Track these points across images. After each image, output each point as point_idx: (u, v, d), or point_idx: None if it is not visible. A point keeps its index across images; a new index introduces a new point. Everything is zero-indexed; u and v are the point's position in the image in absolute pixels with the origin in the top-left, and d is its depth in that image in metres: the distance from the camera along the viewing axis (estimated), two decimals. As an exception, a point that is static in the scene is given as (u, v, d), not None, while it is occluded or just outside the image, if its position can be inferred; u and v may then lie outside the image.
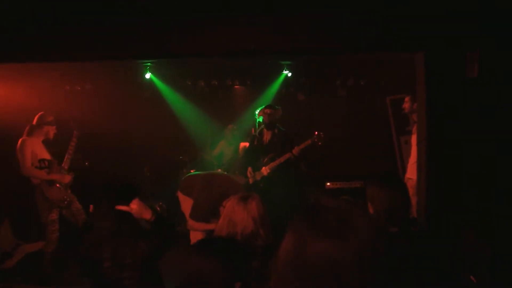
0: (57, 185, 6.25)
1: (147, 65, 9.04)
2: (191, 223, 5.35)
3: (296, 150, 6.67)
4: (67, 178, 6.37)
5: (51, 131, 6.48)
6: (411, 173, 6.09)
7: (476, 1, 4.42)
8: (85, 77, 9.15)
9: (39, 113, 6.42)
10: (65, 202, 6.26)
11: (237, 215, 3.39)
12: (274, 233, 3.42)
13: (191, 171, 8.47)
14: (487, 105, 4.41)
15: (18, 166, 6.12)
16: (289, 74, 9.36)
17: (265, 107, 7.03)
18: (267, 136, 7.03)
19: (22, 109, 7.27)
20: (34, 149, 6.18)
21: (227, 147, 9.04)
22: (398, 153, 8.91)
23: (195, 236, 5.67)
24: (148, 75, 9.21)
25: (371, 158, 9.49)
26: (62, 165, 6.43)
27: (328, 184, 8.45)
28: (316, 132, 6.76)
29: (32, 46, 4.70)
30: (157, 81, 9.47)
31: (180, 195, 5.79)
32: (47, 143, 6.47)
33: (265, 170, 6.84)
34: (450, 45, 4.47)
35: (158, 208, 8.41)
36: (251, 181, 6.88)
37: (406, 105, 6.52)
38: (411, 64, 4.93)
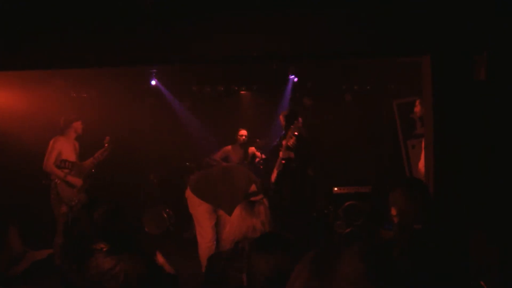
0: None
1: (153, 72, 9.04)
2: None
3: (281, 153, 6.73)
4: (79, 182, 6.71)
5: (79, 126, 6.85)
6: (421, 176, 6.06)
7: (482, 4, 4.41)
8: (91, 84, 9.17)
9: (63, 116, 6.80)
10: (73, 203, 6.57)
11: (245, 221, 3.39)
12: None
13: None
14: (495, 107, 4.40)
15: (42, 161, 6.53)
16: (295, 79, 9.34)
17: (283, 111, 7.13)
18: (286, 141, 7.05)
19: (29, 116, 7.31)
20: (62, 148, 6.59)
21: (235, 152, 8.93)
22: (406, 158, 8.87)
23: (204, 241, 5.64)
24: (153, 82, 9.21)
25: (378, 163, 9.48)
26: (85, 165, 6.90)
27: (336, 189, 8.43)
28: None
29: (38, 53, 4.72)
30: (162, 87, 9.47)
31: (190, 195, 5.71)
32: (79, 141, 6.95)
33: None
34: (457, 48, 4.46)
35: (165, 215, 8.42)
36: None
37: (417, 108, 6.47)
38: (417, 68, 4.92)
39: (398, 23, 4.60)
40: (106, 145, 7.04)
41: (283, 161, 6.85)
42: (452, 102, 4.49)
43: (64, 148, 6.62)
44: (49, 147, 6.55)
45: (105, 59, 4.84)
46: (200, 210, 5.63)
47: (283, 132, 7.24)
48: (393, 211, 3.17)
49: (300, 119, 6.98)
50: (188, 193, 5.74)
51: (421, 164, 6.12)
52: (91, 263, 3.04)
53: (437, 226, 3.16)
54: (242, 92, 10.04)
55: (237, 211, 3.52)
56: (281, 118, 7.27)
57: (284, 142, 6.93)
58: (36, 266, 5.60)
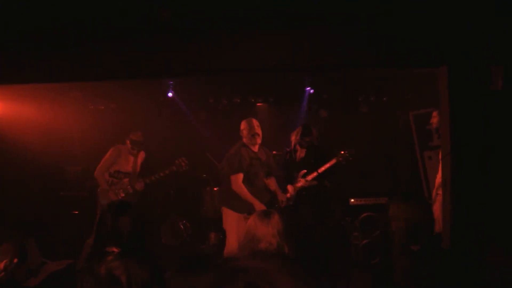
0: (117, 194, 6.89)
1: (170, 84, 9.08)
2: None
3: (321, 170, 6.70)
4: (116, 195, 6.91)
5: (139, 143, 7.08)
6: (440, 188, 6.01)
7: (498, 15, 4.39)
8: (108, 96, 9.24)
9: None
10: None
11: (261, 231, 3.38)
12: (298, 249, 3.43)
13: (214, 188, 8.49)
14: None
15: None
16: (311, 91, 9.34)
17: (299, 126, 7.12)
18: (300, 152, 7.04)
19: (45, 129, 7.38)
20: (118, 159, 6.89)
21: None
22: (422, 169, 8.82)
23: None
24: (170, 94, 9.25)
25: (394, 174, 9.43)
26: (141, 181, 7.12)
27: (352, 200, 8.40)
28: (342, 152, 6.80)
29: (56, 66, 4.77)
30: (179, 100, 9.49)
31: (224, 209, 5.75)
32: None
33: (294, 188, 6.81)
34: (474, 59, 4.43)
35: (182, 227, 8.42)
36: (288, 195, 6.83)
37: (434, 119, 6.44)
38: (433, 79, 4.90)
39: (414, 34, 4.59)
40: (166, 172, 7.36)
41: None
42: (469, 112, 4.45)
43: (120, 158, 6.88)
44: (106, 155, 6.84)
45: (118, 72, 4.88)
46: (231, 220, 5.67)
47: (292, 146, 7.24)
48: (393, 227, 3.05)
49: (346, 152, 6.99)
50: (222, 209, 5.89)
51: (438, 176, 6.08)
52: (101, 264, 3.08)
53: (437, 248, 3.03)
54: (258, 104, 10.03)
55: (251, 220, 3.53)
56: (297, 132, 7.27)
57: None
58: (54, 277, 5.63)
